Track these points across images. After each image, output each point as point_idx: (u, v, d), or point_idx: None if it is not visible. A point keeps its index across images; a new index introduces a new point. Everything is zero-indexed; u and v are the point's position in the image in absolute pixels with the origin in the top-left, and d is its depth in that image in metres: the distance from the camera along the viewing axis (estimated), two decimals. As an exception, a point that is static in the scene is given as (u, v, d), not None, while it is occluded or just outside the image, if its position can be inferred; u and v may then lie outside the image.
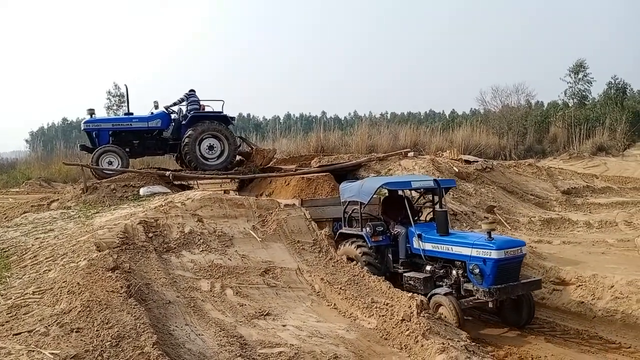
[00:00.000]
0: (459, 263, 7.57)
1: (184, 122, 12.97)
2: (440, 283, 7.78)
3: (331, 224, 10.36)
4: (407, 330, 5.74)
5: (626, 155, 27.30)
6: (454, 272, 7.65)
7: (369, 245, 8.48)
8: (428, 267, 8.00)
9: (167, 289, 6.42)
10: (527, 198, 13.47)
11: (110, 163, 12.25)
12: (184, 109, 13.27)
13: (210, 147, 12.96)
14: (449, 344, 5.41)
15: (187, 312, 6.01)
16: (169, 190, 11.03)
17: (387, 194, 9.53)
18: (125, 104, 14.49)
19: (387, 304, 6.39)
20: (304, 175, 12.41)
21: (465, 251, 7.38)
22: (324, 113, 74.58)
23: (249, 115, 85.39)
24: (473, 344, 5.87)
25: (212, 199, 8.94)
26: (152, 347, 4.51)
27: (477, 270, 7.10)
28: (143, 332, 4.75)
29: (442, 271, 7.86)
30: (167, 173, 12.17)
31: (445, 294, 7.10)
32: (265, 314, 6.28)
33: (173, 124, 13.24)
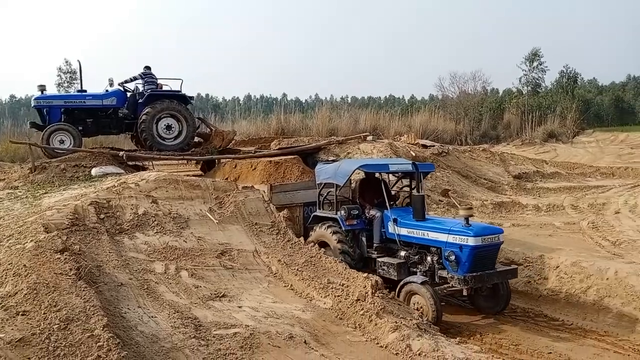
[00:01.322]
0: (435, 249, 7.37)
1: (140, 101, 12.54)
2: (414, 269, 7.59)
3: (302, 209, 10.03)
4: (361, 309, 5.86)
5: (575, 142, 28.42)
6: (428, 258, 7.44)
7: (343, 228, 8.24)
8: (402, 253, 7.78)
9: (119, 271, 6.28)
10: (480, 182, 13.86)
11: (61, 142, 11.69)
12: (140, 87, 12.82)
13: (168, 127, 12.57)
14: (401, 322, 5.57)
15: (140, 295, 5.91)
16: (122, 171, 10.70)
17: (363, 177, 9.27)
18: (78, 81, 13.80)
19: (343, 285, 6.49)
20: (272, 159, 11.95)
21: (442, 237, 7.17)
22: (284, 95, 74.10)
23: (207, 95, 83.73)
24: (425, 322, 6.06)
25: (167, 180, 8.76)
26: (102, 330, 4.43)
27: (452, 257, 6.89)
28: (93, 314, 4.65)
29: (416, 257, 7.64)
30: (121, 153, 11.80)
31: (422, 283, 6.86)
32: (221, 295, 6.26)
33: (128, 102, 12.75)
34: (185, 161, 12.60)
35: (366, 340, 5.44)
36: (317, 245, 8.13)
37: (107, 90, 12.65)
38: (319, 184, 9.05)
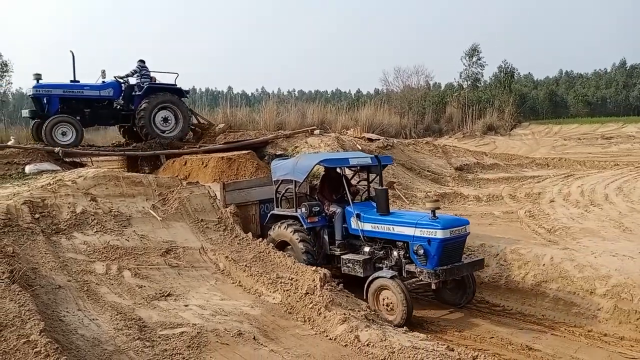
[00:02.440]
0: (401, 244, 7.20)
1: (138, 93, 12.81)
2: (380, 265, 7.41)
3: (258, 207, 9.65)
4: (310, 303, 5.88)
5: (512, 134, 29.70)
6: (395, 253, 7.28)
7: (305, 227, 7.91)
8: (366, 249, 7.57)
9: (56, 273, 6.00)
10: (424, 174, 14.22)
11: (64, 134, 11.79)
12: (132, 80, 13.08)
13: (165, 119, 13.02)
14: (350, 314, 5.63)
15: (79, 297, 5.67)
16: (58, 168, 10.21)
17: (322, 172, 8.93)
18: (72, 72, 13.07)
19: (292, 279, 6.49)
20: (224, 155, 11.50)
21: (408, 231, 6.99)
22: (230, 88, 72.96)
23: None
24: (373, 313, 6.15)
25: (107, 177, 8.44)
26: (39, 335, 4.21)
27: (421, 251, 6.72)
28: (29, 319, 4.42)
29: (381, 252, 7.46)
30: (57, 149, 11.24)
31: (392, 277, 6.66)
32: (166, 294, 6.11)
33: (124, 94, 12.93)
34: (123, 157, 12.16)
35: (315, 333, 5.46)
36: (276, 245, 7.92)
37: (103, 82, 12.80)
38: (276, 180, 8.64)
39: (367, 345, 5.06)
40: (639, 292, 6.60)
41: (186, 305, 5.85)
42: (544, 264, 7.44)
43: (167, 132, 13.09)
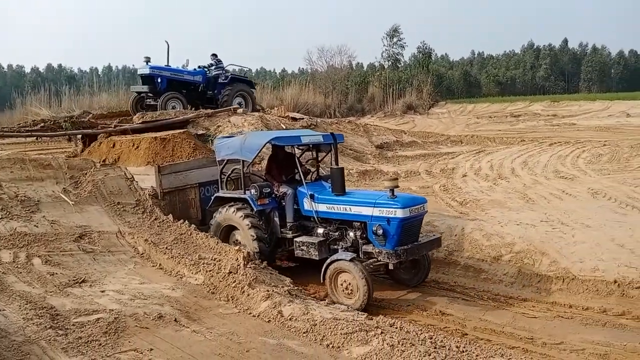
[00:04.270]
0: (358, 224, 6.92)
1: (224, 81, 15.87)
2: (335, 246, 7.14)
3: (198, 190, 9.02)
4: (233, 282, 5.88)
5: (430, 113, 30.98)
6: (351, 234, 6.99)
7: (255, 209, 7.46)
8: (320, 230, 7.25)
9: (-45, 263, 5.56)
10: (346, 152, 14.52)
11: (173, 107, 14.48)
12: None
13: (239, 104, 15.79)
14: (273, 290, 5.71)
15: (-17, 288, 5.30)
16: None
17: (270, 152, 8.44)
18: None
19: (215, 259, 6.45)
20: (157, 136, 10.85)
21: (366, 211, 6.74)
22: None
23: (60, 66, 75.83)
24: (296, 288, 6.27)
25: (12, 160, 7.89)
26: None
27: (380, 231, 6.48)
28: None
29: (337, 233, 7.16)
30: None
31: (351, 260, 6.39)
32: (80, 281, 5.86)
33: (208, 81, 15.89)
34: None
35: (239, 312, 5.48)
36: (222, 230, 7.65)
37: (194, 69, 15.97)
38: (220, 160, 8.07)
39: (290, 319, 5.17)
40: (540, 257, 7.23)
41: (102, 291, 5.65)
42: (455, 235, 7.92)
43: None
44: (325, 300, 6.26)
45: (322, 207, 7.22)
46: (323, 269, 6.58)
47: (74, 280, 5.84)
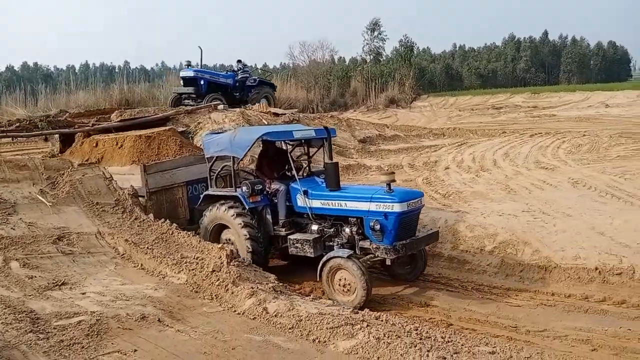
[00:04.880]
0: (354, 220, 6.79)
1: (253, 84, 18.24)
2: (330, 243, 7.00)
3: (185, 189, 8.83)
4: (217, 280, 5.82)
5: (413, 107, 31.03)
6: (346, 230, 6.85)
7: (247, 207, 7.25)
8: (314, 227, 7.09)
9: None
10: (330, 147, 14.49)
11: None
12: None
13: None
14: (257, 287, 5.66)
15: (-41, 293, 5.16)
16: None
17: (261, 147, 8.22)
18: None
19: (198, 258, 6.37)
20: (141, 134, 10.59)
21: (363, 206, 6.60)
22: (127, 63, 68.88)
23: (36, 64, 74.38)
24: (280, 284, 6.23)
25: (-14, 162, 7.68)
26: None
27: (378, 227, 6.35)
28: None
29: (331, 230, 7.01)
30: None
31: (349, 257, 6.27)
32: (60, 283, 5.75)
33: (237, 83, 17.96)
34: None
35: (223, 310, 5.43)
36: (212, 229, 7.52)
37: (227, 72, 18.55)
38: (209, 157, 7.85)
39: (276, 315, 5.13)
40: (523, 246, 7.30)
41: (83, 293, 5.55)
42: (439, 227, 7.94)
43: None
44: (310, 295, 6.23)
45: (317, 204, 7.07)
46: (319, 267, 6.44)
47: (53, 283, 5.74)
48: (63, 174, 7.90)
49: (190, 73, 17.17)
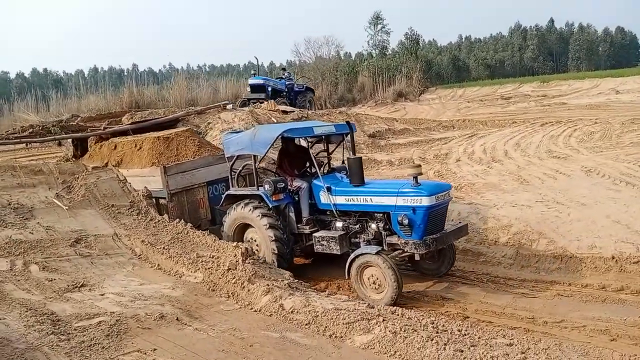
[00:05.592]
0: (380, 215, 6.66)
1: (301, 90, 21.80)
2: (356, 240, 6.86)
3: (206, 189, 8.78)
4: (233, 278, 5.86)
5: (421, 100, 30.94)
6: (372, 225, 6.70)
7: (270, 205, 7.16)
8: (339, 224, 6.95)
9: (-48, 275, 5.51)
10: (340, 143, 14.49)
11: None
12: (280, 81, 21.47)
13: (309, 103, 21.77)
14: (273, 284, 5.70)
15: (-18, 297, 5.26)
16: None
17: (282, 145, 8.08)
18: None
19: (213, 257, 6.42)
20: (160, 135, 10.60)
21: (389, 201, 6.45)
22: (135, 66, 69.38)
23: (45, 70, 75.18)
24: (296, 281, 6.26)
25: (2, 167, 7.85)
26: None
27: (406, 221, 6.18)
28: None
29: (357, 226, 6.86)
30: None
31: (377, 253, 6.12)
32: (79, 285, 5.82)
33: (288, 89, 21.12)
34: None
35: (240, 307, 5.47)
36: (235, 229, 7.44)
37: (280, 78, 21.67)
38: (230, 157, 7.74)
39: (292, 312, 5.16)
40: (537, 237, 7.27)
41: (102, 295, 5.62)
42: (452, 219, 7.92)
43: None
44: (325, 291, 6.25)
45: (341, 200, 6.92)
46: (348, 264, 6.33)
47: (73, 285, 5.81)
48: (78, 177, 8.00)
49: (260, 81, 20.68)
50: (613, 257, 6.42)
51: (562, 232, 7.18)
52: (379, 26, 40.92)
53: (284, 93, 21.06)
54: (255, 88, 20.51)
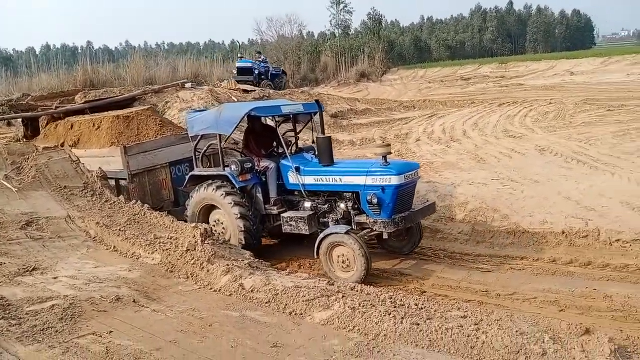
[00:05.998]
0: (349, 195, 6.65)
1: (277, 72, 23.54)
2: (325, 219, 6.85)
3: (168, 170, 8.55)
4: (192, 259, 5.79)
5: (383, 80, 31.06)
6: (342, 205, 6.69)
7: (237, 186, 7.03)
8: (307, 204, 6.92)
9: None
10: (302, 123, 14.44)
11: (263, 89, 19.54)
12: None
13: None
14: (233, 264, 5.66)
15: None
16: None
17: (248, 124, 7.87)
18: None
19: (171, 238, 6.32)
20: (119, 114, 10.16)
21: (359, 180, 6.47)
22: (90, 43, 66.79)
23: (-7, 48, 71.31)
24: (257, 261, 6.24)
25: (-56, 149, 7.41)
26: None
27: (375, 200, 6.21)
28: None
29: (326, 206, 6.85)
30: None
31: (347, 232, 6.14)
32: (31, 269, 5.64)
33: (266, 70, 22.49)
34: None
35: (199, 288, 5.42)
36: (200, 210, 7.24)
37: (259, 62, 22.97)
38: (194, 136, 7.52)
39: (252, 291, 5.15)
40: (492, 214, 7.47)
41: (55, 278, 5.46)
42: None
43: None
44: (286, 270, 6.27)
45: (310, 180, 6.88)
46: (317, 244, 6.32)
47: (24, 268, 5.62)
48: (28, 158, 7.69)
49: (248, 64, 22.14)
50: (563, 232, 6.68)
51: (516, 208, 7.41)
52: (342, 5, 40.67)
53: (263, 76, 22.33)
54: (242, 71, 21.66)
